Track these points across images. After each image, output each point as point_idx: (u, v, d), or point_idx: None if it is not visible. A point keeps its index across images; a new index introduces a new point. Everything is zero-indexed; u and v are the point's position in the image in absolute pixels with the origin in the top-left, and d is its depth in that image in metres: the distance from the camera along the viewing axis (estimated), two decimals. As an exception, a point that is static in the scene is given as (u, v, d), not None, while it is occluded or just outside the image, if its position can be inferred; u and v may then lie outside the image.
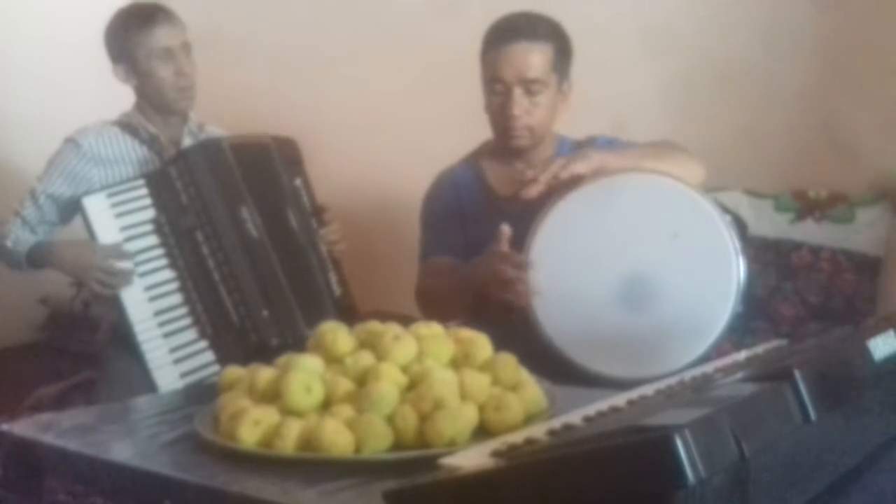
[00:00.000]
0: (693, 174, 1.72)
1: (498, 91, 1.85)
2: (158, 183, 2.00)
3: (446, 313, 1.92)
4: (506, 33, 1.85)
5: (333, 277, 2.12)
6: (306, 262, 2.07)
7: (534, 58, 1.83)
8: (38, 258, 2.07)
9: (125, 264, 1.95)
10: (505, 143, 1.90)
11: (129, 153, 2.12)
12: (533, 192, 1.61)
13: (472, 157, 2.02)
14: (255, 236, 1.99)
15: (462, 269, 1.88)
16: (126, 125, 2.14)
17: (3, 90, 2.98)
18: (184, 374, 1.93)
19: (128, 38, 2.08)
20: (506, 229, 1.65)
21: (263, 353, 1.81)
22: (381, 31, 2.91)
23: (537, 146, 1.91)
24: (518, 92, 1.83)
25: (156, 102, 2.12)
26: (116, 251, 1.95)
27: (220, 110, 2.49)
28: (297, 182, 2.12)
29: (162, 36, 2.06)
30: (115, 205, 1.98)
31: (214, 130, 2.25)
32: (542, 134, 1.90)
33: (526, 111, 1.84)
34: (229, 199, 2.00)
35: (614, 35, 2.53)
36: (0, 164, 2.91)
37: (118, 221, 1.98)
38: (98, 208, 1.97)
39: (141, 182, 2.01)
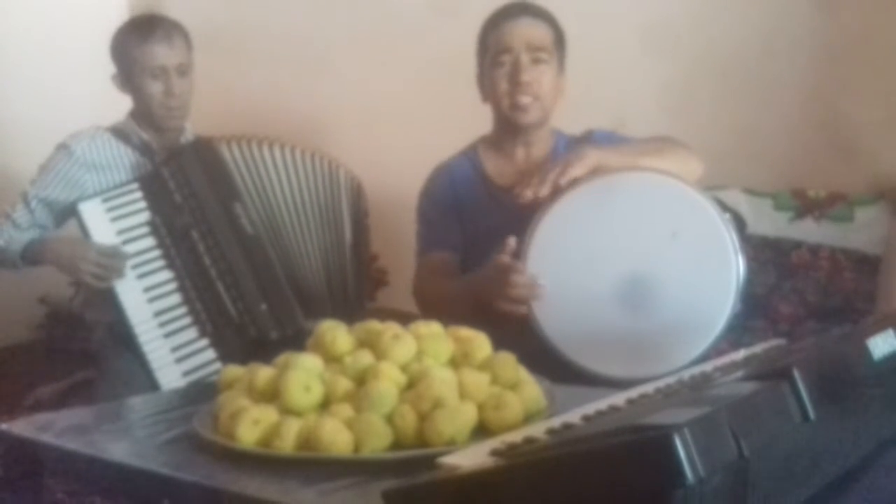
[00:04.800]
0: (691, 170, 1.72)
1: (504, 62, 1.86)
2: (152, 185, 2.02)
3: (445, 317, 1.92)
4: (511, 10, 1.90)
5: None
6: (356, 275, 2.09)
7: (540, 30, 1.88)
8: (33, 255, 2.08)
9: (120, 260, 1.95)
10: (512, 120, 1.89)
11: (122, 158, 2.13)
12: (529, 195, 1.61)
13: (470, 150, 2.02)
14: (250, 232, 2.00)
15: (464, 278, 1.87)
16: (119, 131, 2.15)
17: (1, 95, 2.98)
18: (186, 373, 1.94)
19: (126, 49, 2.10)
20: (511, 241, 1.63)
21: (264, 346, 1.82)
22: (381, 29, 2.91)
23: (539, 129, 1.92)
24: (525, 59, 1.85)
25: (145, 116, 2.13)
26: (113, 249, 1.96)
27: (220, 109, 2.49)
28: (367, 221, 2.15)
29: (157, 54, 2.07)
30: (110, 209, 2.00)
31: None
32: (546, 110, 1.90)
33: (534, 78, 1.85)
34: (222, 195, 2.01)
35: (614, 33, 2.54)
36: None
37: (114, 225, 1.99)
38: (94, 213, 1.98)
39: (135, 185, 2.02)
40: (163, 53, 2.07)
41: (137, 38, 2.08)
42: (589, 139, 1.93)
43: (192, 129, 2.22)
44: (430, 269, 1.96)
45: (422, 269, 1.99)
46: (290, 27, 3.06)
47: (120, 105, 2.18)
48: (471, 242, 1.93)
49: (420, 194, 2.04)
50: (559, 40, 1.91)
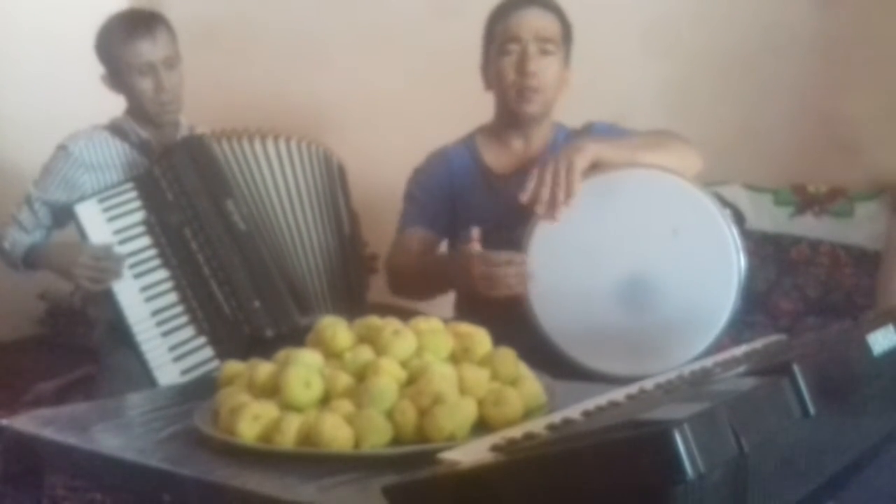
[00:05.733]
0: (690, 164, 1.72)
1: (512, 51, 1.86)
2: (146, 184, 2.01)
3: (411, 291, 1.95)
4: (521, 0, 1.89)
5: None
6: (356, 267, 2.10)
7: (548, 21, 1.88)
8: (32, 260, 2.11)
9: (114, 262, 1.95)
10: (515, 109, 1.89)
11: (120, 157, 2.13)
12: (527, 198, 1.62)
13: (469, 138, 2.02)
14: (242, 228, 1.99)
15: (435, 256, 1.88)
16: (117, 129, 2.15)
17: (4, 90, 2.98)
18: (184, 372, 1.93)
19: (110, 49, 2.09)
20: (476, 232, 1.66)
21: (261, 344, 1.81)
22: (381, 27, 2.91)
23: (539, 122, 1.91)
24: (533, 49, 1.84)
25: (139, 113, 2.13)
26: (105, 250, 1.96)
27: (219, 106, 2.48)
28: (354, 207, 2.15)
29: (142, 51, 2.06)
30: (106, 209, 1.99)
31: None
32: (549, 102, 1.90)
33: (540, 69, 1.85)
34: (214, 193, 2.00)
35: (614, 30, 2.53)
36: (2, 165, 2.91)
37: (110, 226, 1.98)
38: (90, 214, 1.98)
39: (130, 185, 2.02)
40: (147, 49, 2.06)
41: (120, 37, 2.06)
42: (589, 131, 1.93)
43: (188, 123, 2.22)
44: (404, 243, 1.98)
45: (397, 243, 2.01)
46: (290, 23, 3.06)
47: (120, 101, 2.18)
48: (465, 230, 1.93)
49: (411, 174, 2.05)
50: (566, 33, 1.91)
